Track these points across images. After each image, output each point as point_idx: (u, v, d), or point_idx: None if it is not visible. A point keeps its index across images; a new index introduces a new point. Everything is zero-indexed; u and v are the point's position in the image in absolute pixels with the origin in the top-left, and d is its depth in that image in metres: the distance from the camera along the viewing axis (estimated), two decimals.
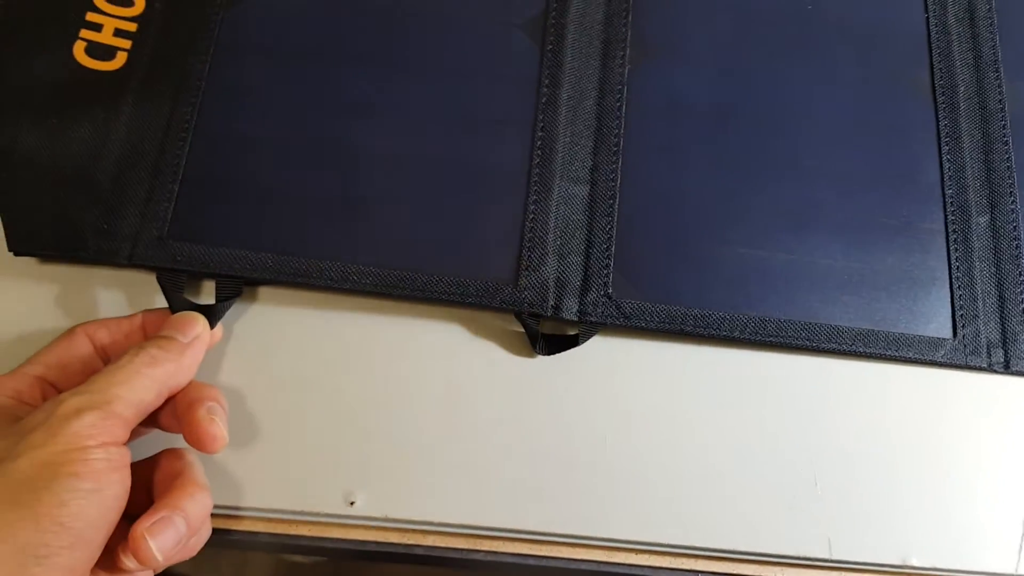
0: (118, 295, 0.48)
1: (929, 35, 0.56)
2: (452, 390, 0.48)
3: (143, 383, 0.40)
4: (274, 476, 0.45)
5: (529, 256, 0.49)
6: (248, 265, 0.47)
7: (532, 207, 0.50)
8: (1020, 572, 0.46)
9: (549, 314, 0.48)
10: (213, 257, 0.47)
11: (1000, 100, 0.55)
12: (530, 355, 0.49)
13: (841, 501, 0.47)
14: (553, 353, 0.49)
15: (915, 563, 0.46)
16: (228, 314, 0.47)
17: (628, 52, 0.54)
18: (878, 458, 0.48)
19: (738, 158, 0.53)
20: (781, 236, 0.51)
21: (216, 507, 0.43)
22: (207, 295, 0.48)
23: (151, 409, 0.41)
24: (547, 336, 0.49)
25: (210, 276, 0.47)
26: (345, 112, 0.51)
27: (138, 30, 0.52)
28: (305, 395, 0.47)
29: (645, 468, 0.47)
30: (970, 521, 0.47)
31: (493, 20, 0.54)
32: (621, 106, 0.53)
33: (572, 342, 0.49)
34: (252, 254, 0.47)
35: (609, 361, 0.49)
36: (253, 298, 0.49)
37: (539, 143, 0.51)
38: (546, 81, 0.53)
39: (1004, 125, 0.54)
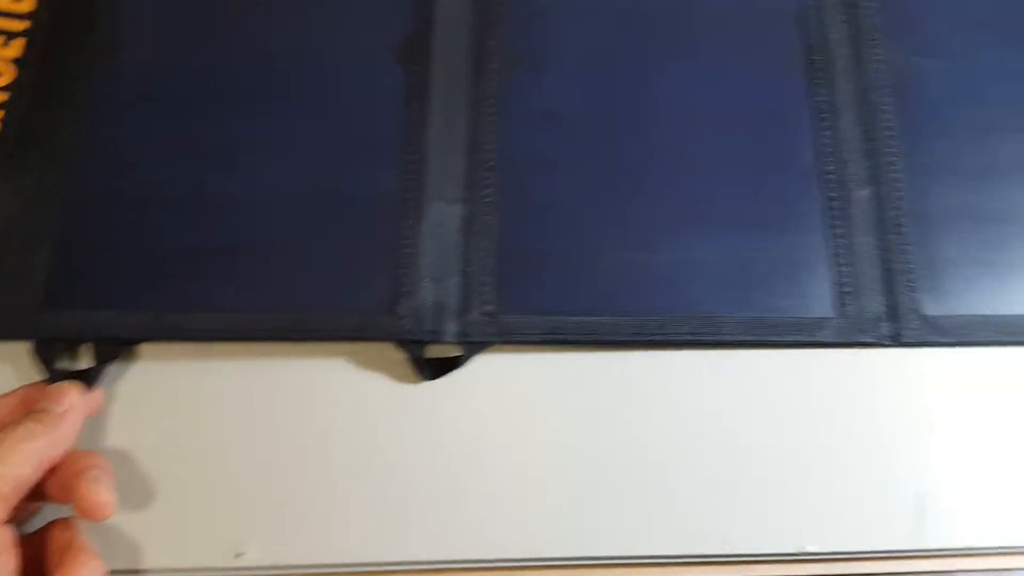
0: (5, 369, 0.48)
1: (804, 10, 0.55)
2: (339, 427, 0.48)
3: (19, 458, 0.41)
4: (165, 534, 0.46)
5: (405, 283, 0.49)
6: (124, 326, 0.48)
7: (406, 232, 0.50)
8: (920, 547, 0.45)
9: (428, 339, 0.48)
10: (89, 322, 0.48)
11: (879, 70, 0.54)
12: (419, 381, 0.49)
13: (736, 495, 0.47)
14: (439, 377, 0.49)
15: (811, 549, 0.45)
16: (114, 373, 0.48)
17: (498, 65, 0.54)
18: (770, 447, 0.47)
19: (615, 161, 0.52)
20: (661, 234, 0.51)
21: (112, 572, 0.44)
22: (90, 359, 0.48)
23: (30, 483, 0.42)
24: (431, 361, 0.49)
25: (87, 340, 0.48)
26: (213, 158, 0.52)
27: (9, 99, 0.52)
28: (191, 449, 0.48)
29: (539, 482, 0.47)
30: (866, 501, 0.46)
31: (358, 46, 0.55)
32: (493, 120, 0.53)
33: (455, 364, 0.49)
34: (129, 314, 0.48)
35: (500, 377, 0.50)
36: (138, 356, 0.49)
37: (410, 166, 0.51)
38: (414, 103, 0.53)
39: (884, 95, 0.53)
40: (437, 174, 0.52)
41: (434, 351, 0.50)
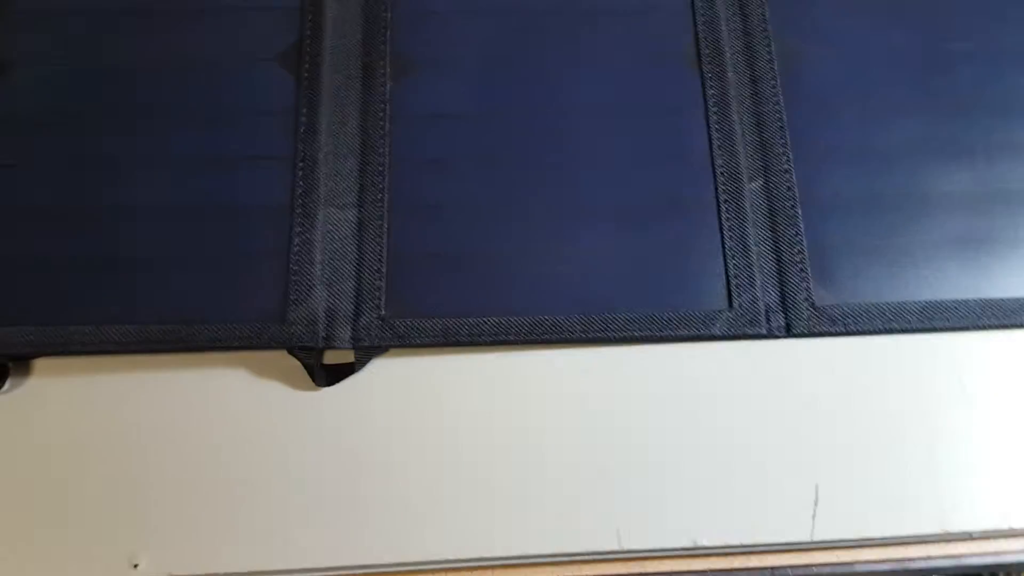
0: None
1: (693, 5, 0.55)
2: (235, 436, 0.48)
3: None
4: (59, 549, 0.45)
5: (296, 290, 0.49)
6: (7, 342, 0.47)
7: (296, 240, 0.50)
8: (814, 539, 0.45)
9: (321, 346, 0.48)
10: None
11: (770, 60, 0.54)
12: (315, 388, 0.48)
13: (628, 490, 0.46)
14: (334, 383, 0.48)
15: (705, 543, 0.45)
16: (7, 388, 0.48)
17: (389, 70, 0.54)
18: (663, 442, 0.47)
19: (507, 160, 0.52)
20: (553, 233, 0.50)
21: None
22: None
23: None
24: (326, 367, 0.49)
25: None
26: (98, 170, 0.51)
27: None
28: (84, 464, 0.47)
29: (435, 484, 0.47)
30: (760, 494, 0.46)
31: (246, 56, 0.54)
32: (385, 125, 0.53)
33: (351, 370, 0.48)
34: (12, 330, 0.47)
35: (396, 380, 0.49)
36: (32, 371, 0.49)
37: (300, 174, 0.51)
38: (304, 111, 0.53)
39: (774, 85, 0.53)
40: (328, 180, 0.51)
41: (330, 357, 0.49)
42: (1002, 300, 0.49)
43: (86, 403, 0.48)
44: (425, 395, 0.49)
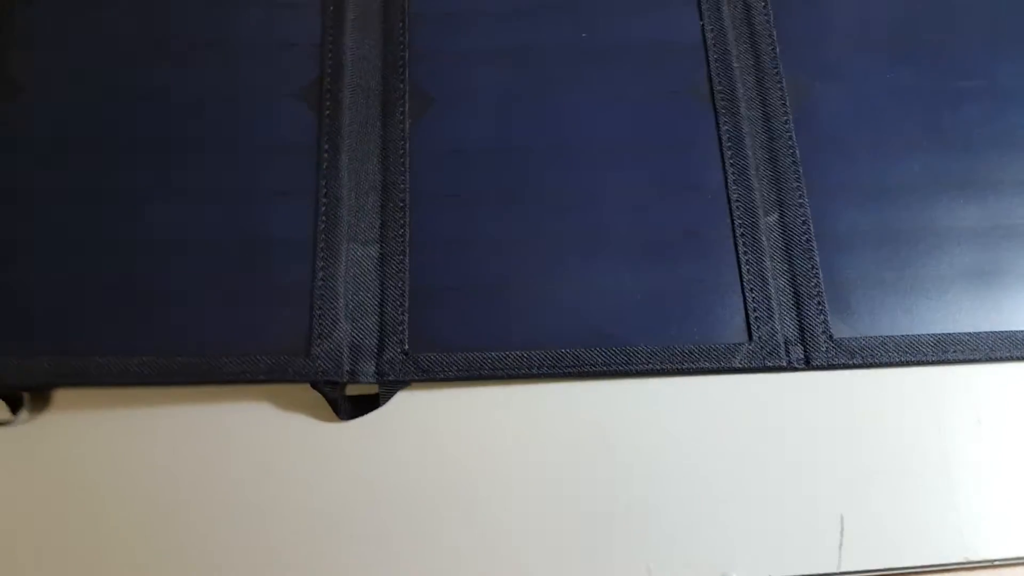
0: None
1: (705, 42, 0.57)
2: (257, 469, 0.48)
3: None
4: None
5: (320, 324, 0.49)
6: (22, 373, 0.47)
7: (320, 275, 0.50)
8: (841, 569, 0.46)
9: (345, 380, 0.48)
10: None
11: (781, 96, 0.55)
12: (338, 421, 0.49)
13: (657, 524, 0.47)
14: (357, 416, 0.49)
15: None
16: (28, 420, 0.48)
17: (408, 106, 0.55)
18: (689, 475, 0.48)
19: (526, 194, 0.53)
20: (573, 266, 0.51)
21: None
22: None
23: None
24: (350, 399, 0.49)
25: None
26: (124, 203, 0.51)
27: None
28: (103, 497, 0.47)
29: (462, 517, 0.47)
30: (787, 525, 0.47)
31: (268, 92, 0.55)
32: (405, 160, 0.53)
33: (374, 403, 0.49)
34: (31, 361, 0.47)
35: (420, 413, 0.50)
36: (53, 403, 0.49)
37: (323, 209, 0.52)
38: (326, 147, 0.53)
39: (787, 120, 0.54)
40: (350, 215, 0.52)
41: (352, 389, 0.50)
42: (1013, 332, 0.49)
43: (105, 435, 0.49)
44: (449, 428, 0.49)
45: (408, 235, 0.52)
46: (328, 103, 0.54)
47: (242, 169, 0.53)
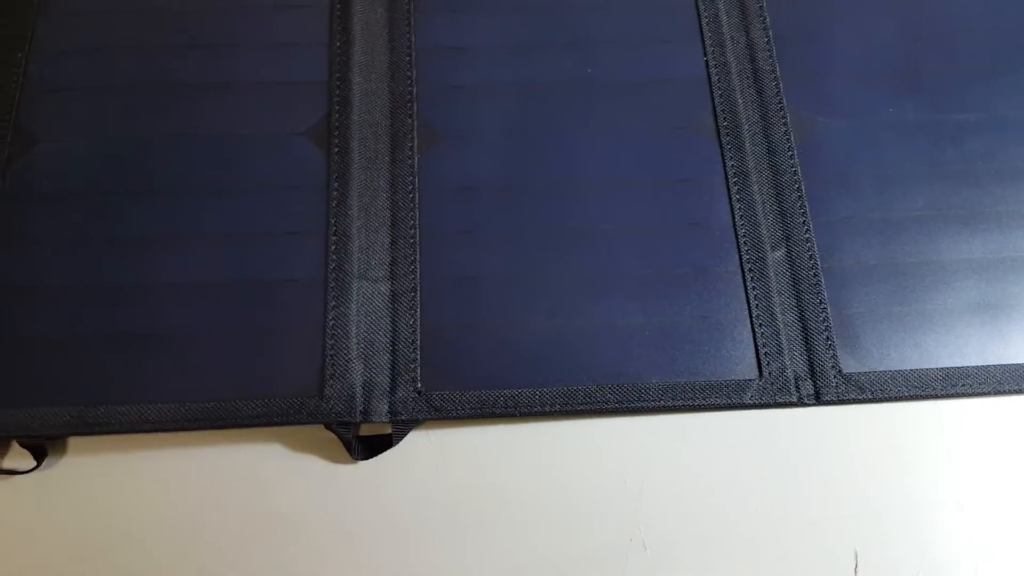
0: None
1: (710, 78, 0.57)
2: (272, 511, 0.48)
3: None
4: None
5: (332, 365, 0.49)
6: (43, 423, 0.47)
7: (332, 314, 0.50)
8: None
9: (359, 420, 0.48)
10: (9, 420, 0.47)
11: (786, 131, 0.56)
12: (352, 461, 0.49)
13: (670, 561, 0.47)
14: (371, 457, 0.49)
15: None
16: (45, 466, 0.48)
17: (416, 142, 0.55)
18: (702, 511, 0.48)
19: (535, 230, 0.53)
20: (581, 302, 0.51)
21: None
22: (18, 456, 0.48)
23: None
24: (363, 439, 0.49)
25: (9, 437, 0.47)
26: (133, 248, 0.51)
27: None
28: (121, 542, 0.47)
29: (477, 556, 0.48)
30: (801, 560, 0.47)
31: (276, 131, 0.55)
32: (414, 196, 0.54)
33: (388, 443, 0.49)
34: (49, 410, 0.47)
35: (434, 452, 0.50)
36: (67, 449, 0.49)
37: (333, 248, 0.52)
38: (335, 184, 0.53)
39: (791, 156, 0.55)
40: (361, 254, 0.52)
41: (365, 428, 0.50)
42: (1021, 365, 0.50)
43: (121, 479, 0.49)
44: (462, 467, 0.49)
45: (419, 272, 0.52)
46: (336, 140, 0.55)
47: (252, 210, 0.53)
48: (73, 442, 0.49)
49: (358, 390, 0.49)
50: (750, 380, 0.50)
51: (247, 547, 0.47)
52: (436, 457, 0.50)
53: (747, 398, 0.49)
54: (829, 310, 0.51)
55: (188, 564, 0.46)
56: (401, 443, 0.50)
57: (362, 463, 0.49)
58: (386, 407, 0.49)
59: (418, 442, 0.50)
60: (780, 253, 0.53)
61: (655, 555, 0.47)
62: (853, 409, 0.50)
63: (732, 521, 0.48)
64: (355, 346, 0.50)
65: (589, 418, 0.50)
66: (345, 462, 0.49)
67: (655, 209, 0.54)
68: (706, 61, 0.58)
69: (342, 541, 0.48)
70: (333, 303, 0.51)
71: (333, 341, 0.50)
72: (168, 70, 0.57)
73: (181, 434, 0.49)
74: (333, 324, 0.50)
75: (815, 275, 0.52)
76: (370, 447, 0.49)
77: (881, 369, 0.50)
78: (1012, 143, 0.56)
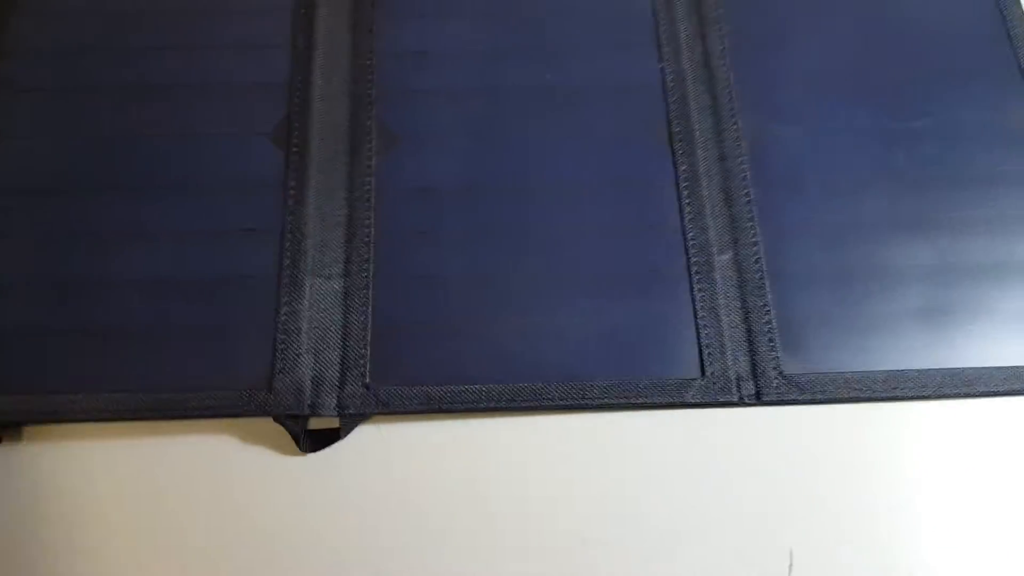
0: None
1: (665, 85, 0.58)
2: (222, 501, 0.49)
3: None
4: None
5: (283, 359, 0.50)
6: (2, 410, 0.48)
7: (284, 310, 0.51)
8: None
9: (307, 413, 0.49)
10: None
11: (737, 137, 0.57)
12: (302, 453, 0.50)
13: (608, 557, 0.48)
14: (319, 449, 0.50)
15: None
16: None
17: (375, 144, 0.56)
18: (641, 508, 0.49)
19: (490, 231, 0.54)
20: (532, 302, 0.52)
21: None
22: None
23: None
24: (312, 432, 0.50)
25: None
26: (92, 244, 0.52)
27: None
28: (71, 529, 0.48)
29: (420, 549, 0.49)
30: (735, 558, 0.48)
31: (238, 131, 0.56)
32: (371, 197, 0.55)
33: (336, 436, 0.50)
34: (7, 397, 0.48)
35: (382, 445, 0.51)
36: (22, 437, 0.50)
37: (288, 246, 0.53)
38: (292, 183, 0.55)
39: (742, 161, 0.56)
40: (316, 252, 0.53)
41: (315, 422, 0.51)
42: (963, 370, 0.51)
43: (76, 469, 0.49)
44: (409, 461, 0.50)
45: (372, 270, 0.53)
46: (296, 141, 0.56)
47: (211, 208, 0.54)
48: (28, 430, 0.50)
49: (307, 384, 0.50)
50: (692, 379, 0.51)
51: (196, 535, 0.48)
52: (383, 450, 0.51)
53: (689, 397, 0.50)
54: (773, 312, 0.52)
55: (138, 552, 0.47)
56: (350, 436, 0.51)
57: (311, 455, 0.50)
58: (334, 401, 0.50)
59: (367, 436, 0.51)
60: (727, 256, 0.54)
61: (596, 550, 0.48)
62: (795, 410, 0.51)
63: (670, 519, 0.49)
64: (305, 341, 0.51)
65: (535, 415, 0.51)
66: (294, 454, 0.50)
67: (607, 212, 0.55)
68: (662, 68, 0.59)
69: (289, 531, 0.49)
70: (286, 299, 0.52)
71: (284, 336, 0.51)
72: (135, 71, 0.58)
73: (135, 424, 0.50)
74: (285, 320, 0.51)
75: (760, 278, 0.53)
76: (318, 440, 0.50)
77: (823, 371, 0.51)
78: (962, 150, 0.57)
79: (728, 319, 0.52)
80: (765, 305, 0.52)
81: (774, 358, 0.51)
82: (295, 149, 0.56)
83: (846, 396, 0.50)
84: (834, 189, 0.56)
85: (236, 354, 0.51)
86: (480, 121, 0.58)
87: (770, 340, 0.51)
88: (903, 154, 0.57)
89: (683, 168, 0.56)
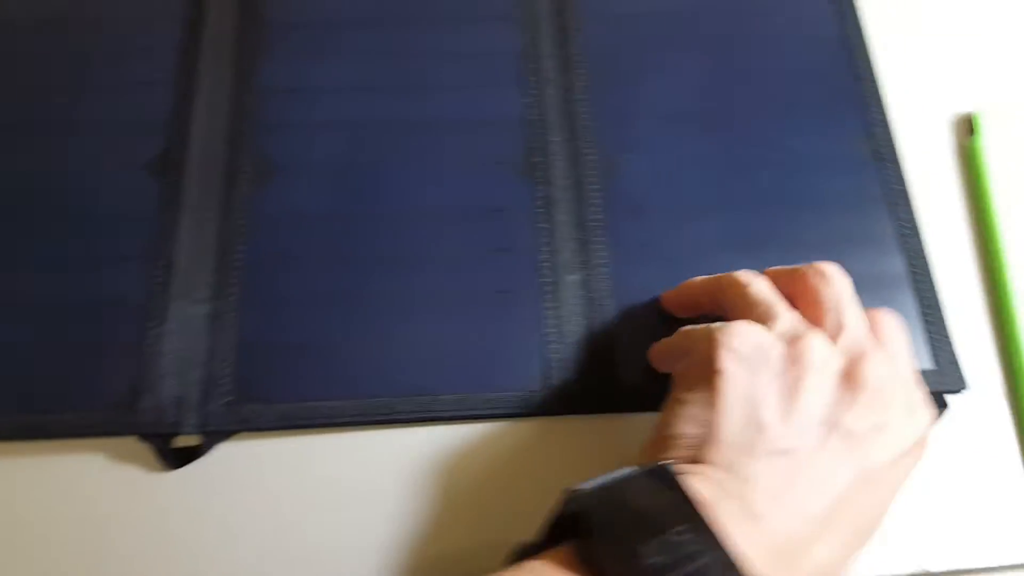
0: None
1: (527, 119, 0.62)
2: (89, 519, 0.51)
3: None
4: None
5: (148, 379, 0.53)
6: None
7: (151, 332, 0.54)
8: None
9: (168, 431, 0.52)
10: None
11: (592, 168, 0.60)
12: (167, 470, 0.52)
13: (460, 563, 0.50)
14: (182, 466, 0.52)
15: None
16: None
17: (251, 174, 0.59)
18: (495, 507, 0.51)
19: (355, 257, 0.57)
20: (392, 323, 0.55)
21: None
22: None
23: None
24: (176, 450, 0.53)
25: None
26: None
27: None
28: None
29: (283, 564, 0.51)
30: None
31: (117, 165, 0.59)
32: (243, 225, 0.58)
33: (197, 453, 0.52)
34: None
35: (245, 461, 0.54)
36: None
37: (159, 272, 0.56)
38: (166, 214, 0.58)
39: (594, 190, 0.60)
40: (185, 277, 0.56)
41: (182, 441, 0.53)
42: None
43: None
44: (269, 475, 0.53)
45: (239, 294, 0.56)
46: (172, 174, 0.59)
47: (86, 238, 0.57)
48: None
49: (169, 403, 0.52)
50: (535, 391, 0.54)
51: (63, 553, 0.50)
52: (247, 466, 0.53)
53: (531, 407, 0.54)
54: (613, 330, 0.56)
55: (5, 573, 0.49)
56: (215, 453, 0.53)
57: (177, 472, 0.53)
58: (195, 419, 0.53)
59: (232, 452, 0.54)
60: (576, 277, 0.57)
61: (444, 561, 0.51)
62: (633, 416, 0.54)
63: (515, 519, 0.51)
64: (170, 362, 0.54)
65: (387, 428, 0.54)
66: (160, 471, 0.53)
67: (465, 237, 0.59)
68: (526, 104, 0.63)
69: (153, 547, 0.51)
70: (153, 323, 0.55)
71: (150, 358, 0.54)
72: (20, 109, 0.61)
73: (4, 445, 0.52)
74: (151, 342, 0.54)
75: (607, 297, 0.57)
76: (182, 457, 0.53)
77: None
78: (798, 176, 0.61)
79: (573, 336, 0.55)
80: (608, 324, 0.56)
81: (610, 371, 0.54)
82: (170, 182, 0.59)
83: None
84: (678, 214, 0.59)
85: (103, 376, 0.53)
86: (351, 153, 0.61)
87: (608, 355, 0.55)
88: (743, 181, 0.60)
89: (539, 196, 0.60)
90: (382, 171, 0.61)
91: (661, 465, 0.40)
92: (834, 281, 0.45)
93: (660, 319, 0.56)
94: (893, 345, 0.43)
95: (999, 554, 0.52)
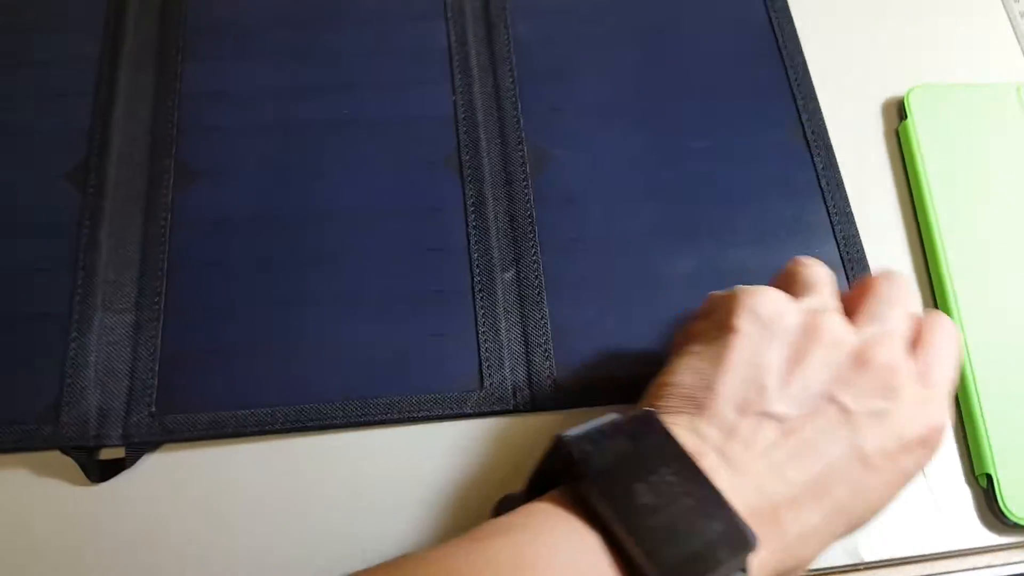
0: None
1: (457, 116, 0.61)
2: (13, 534, 0.50)
3: None
4: None
5: (70, 392, 0.51)
6: None
7: (73, 344, 0.53)
8: None
9: (92, 444, 0.50)
10: None
11: (523, 163, 0.60)
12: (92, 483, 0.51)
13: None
14: (107, 479, 0.51)
15: None
16: None
17: (173, 181, 0.58)
18: (422, 514, 0.50)
19: (285, 260, 0.56)
20: (323, 326, 0.54)
21: None
22: None
23: None
24: (101, 462, 0.51)
25: None
26: None
27: None
28: None
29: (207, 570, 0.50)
30: None
31: (37, 175, 0.58)
32: (166, 232, 0.56)
33: (122, 465, 0.51)
34: None
35: (171, 472, 0.52)
36: None
37: (80, 283, 0.54)
38: (87, 223, 0.56)
39: (526, 185, 0.59)
40: (108, 287, 0.55)
41: (107, 453, 0.52)
42: None
43: None
44: (199, 485, 0.52)
45: (164, 302, 0.55)
46: (93, 182, 0.58)
47: (8, 249, 0.56)
48: None
49: (93, 416, 0.51)
50: (472, 392, 0.53)
51: None
52: (174, 477, 0.52)
53: (467, 408, 0.53)
54: (549, 325, 0.55)
55: None
56: (142, 464, 0.52)
57: (102, 485, 0.51)
58: (119, 431, 0.51)
59: (159, 463, 0.52)
60: (510, 274, 0.57)
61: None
62: (563, 413, 0.54)
63: (453, 523, 0.51)
64: (93, 374, 0.52)
65: (321, 434, 0.53)
66: (85, 484, 0.51)
67: (396, 237, 0.58)
68: (454, 101, 0.62)
69: (79, 562, 0.49)
70: (75, 334, 0.53)
71: (72, 370, 0.52)
72: None
73: None
74: (73, 354, 0.53)
75: (540, 293, 0.56)
76: (107, 469, 0.52)
77: (590, 375, 0.54)
78: (730, 164, 0.61)
79: (508, 334, 0.55)
80: (542, 318, 0.55)
81: (549, 367, 0.54)
82: (91, 190, 0.57)
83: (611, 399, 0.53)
84: (609, 207, 0.59)
85: (25, 389, 0.52)
86: (277, 155, 0.60)
87: (545, 352, 0.54)
88: (674, 172, 0.60)
89: (470, 193, 0.59)
90: (309, 172, 0.60)
91: (648, 411, 0.41)
92: (895, 281, 0.45)
93: (596, 312, 0.55)
94: (934, 350, 0.42)
95: (930, 543, 0.52)
